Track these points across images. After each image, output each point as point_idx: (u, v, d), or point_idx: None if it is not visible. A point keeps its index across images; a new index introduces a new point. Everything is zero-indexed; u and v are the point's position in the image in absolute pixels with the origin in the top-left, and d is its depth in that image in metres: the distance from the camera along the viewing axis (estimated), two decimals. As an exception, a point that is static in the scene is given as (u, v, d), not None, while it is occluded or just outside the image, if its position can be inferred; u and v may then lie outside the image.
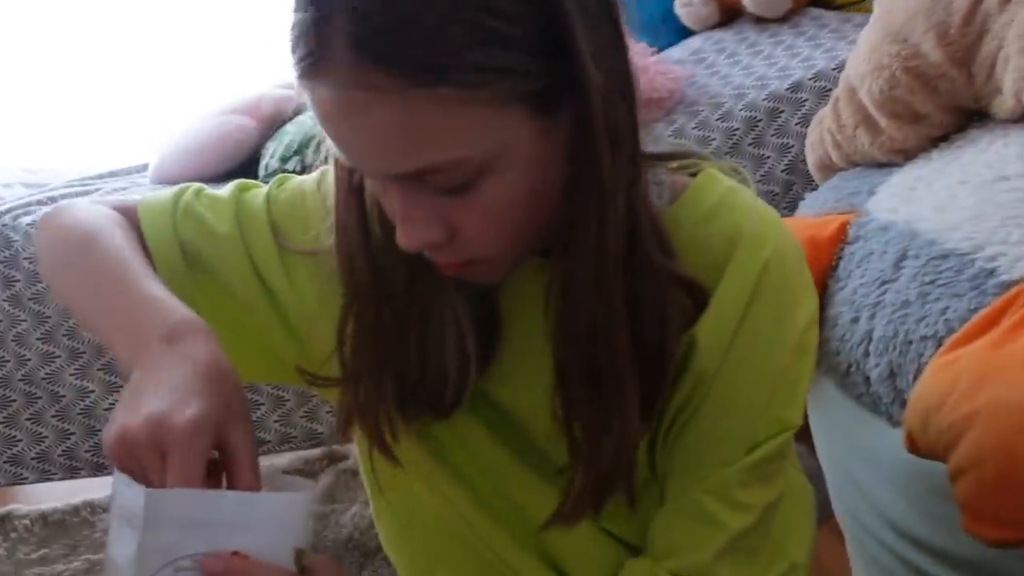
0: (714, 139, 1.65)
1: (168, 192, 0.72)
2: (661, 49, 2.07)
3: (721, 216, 0.62)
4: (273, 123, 1.92)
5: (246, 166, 1.89)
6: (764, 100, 1.67)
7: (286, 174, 0.74)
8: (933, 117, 1.05)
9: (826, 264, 1.04)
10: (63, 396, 1.56)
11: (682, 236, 0.61)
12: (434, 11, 0.48)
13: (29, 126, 2.65)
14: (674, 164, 0.66)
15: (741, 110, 1.67)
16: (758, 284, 0.60)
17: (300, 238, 0.68)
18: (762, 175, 1.66)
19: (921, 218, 0.95)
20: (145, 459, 0.50)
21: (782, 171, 1.63)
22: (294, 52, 0.51)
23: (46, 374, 1.56)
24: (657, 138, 0.68)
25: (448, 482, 0.70)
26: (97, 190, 1.86)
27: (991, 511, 0.70)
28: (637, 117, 0.56)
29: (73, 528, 1.60)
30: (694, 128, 1.66)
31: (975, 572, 0.83)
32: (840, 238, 1.04)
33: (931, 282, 0.88)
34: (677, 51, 1.98)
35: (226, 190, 0.72)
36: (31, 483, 1.58)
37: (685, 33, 2.07)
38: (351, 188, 0.61)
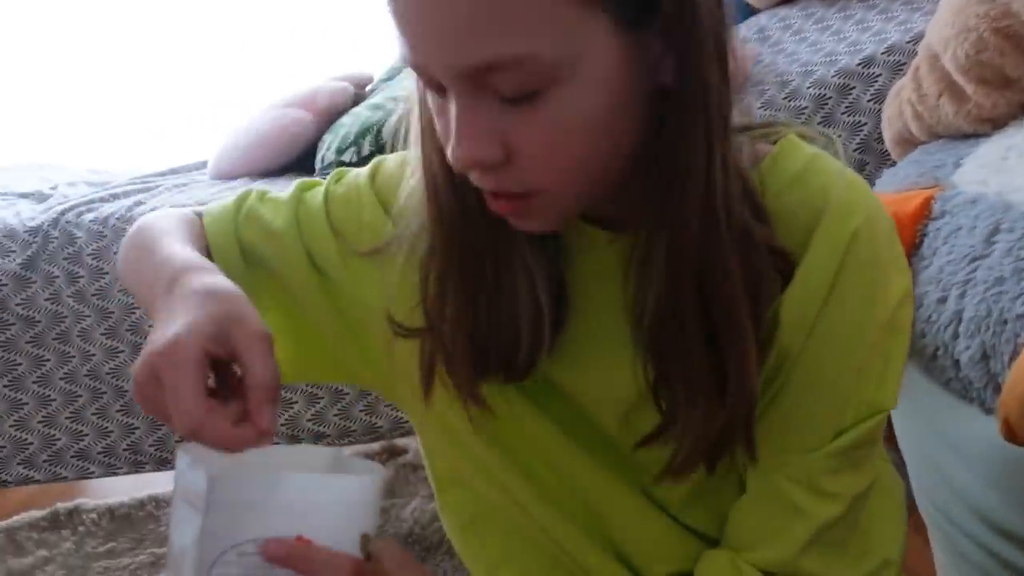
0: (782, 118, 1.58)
1: (232, 198, 0.72)
2: (725, 28, 2.02)
3: (807, 182, 0.58)
4: (329, 115, 1.91)
5: (303, 159, 1.89)
6: (834, 76, 1.60)
7: (343, 168, 0.72)
8: (1024, 81, 0.97)
9: (909, 242, 0.98)
10: (127, 391, 1.57)
11: (766, 204, 0.57)
12: None
13: (93, 127, 2.70)
14: (756, 132, 0.62)
15: (809, 88, 1.60)
16: (846, 256, 0.56)
17: (357, 236, 0.66)
18: (833, 154, 1.58)
19: (1015, 188, 0.88)
20: (153, 397, 0.49)
21: (854, 150, 1.56)
22: None
23: (110, 369, 1.57)
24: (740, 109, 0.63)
25: (512, 476, 0.67)
26: (157, 187, 1.88)
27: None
28: (731, 57, 0.52)
29: (139, 522, 1.61)
30: (760, 108, 1.60)
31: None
32: (924, 214, 0.98)
33: (1028, 257, 0.82)
34: (742, 30, 1.91)
35: (288, 191, 0.71)
36: (97, 477, 1.59)
37: (749, 11, 2.01)
38: (431, 124, 0.57)
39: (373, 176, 0.69)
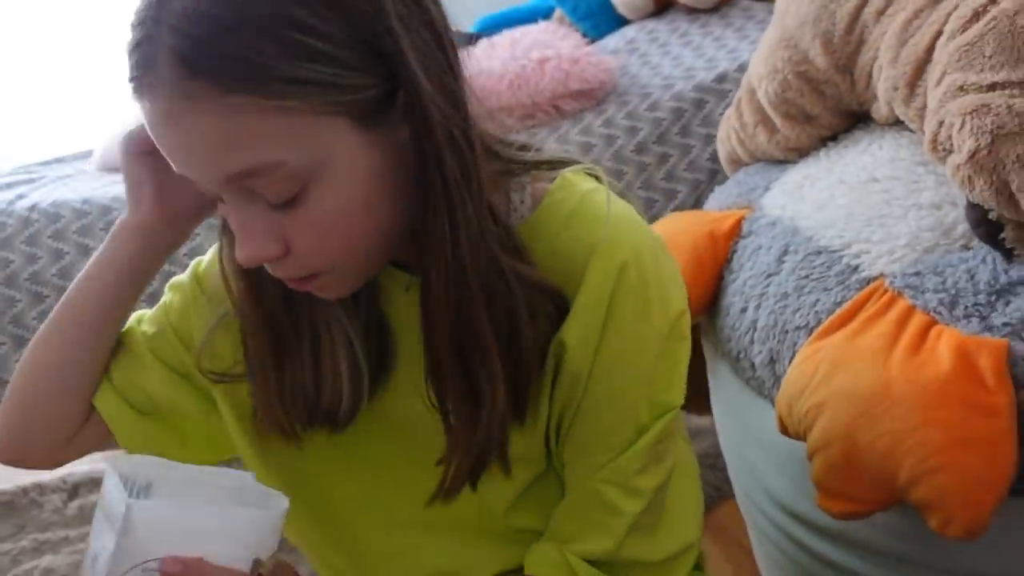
0: (642, 128, 1.71)
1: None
2: (600, 37, 2.13)
3: (576, 224, 0.64)
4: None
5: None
6: (691, 91, 1.73)
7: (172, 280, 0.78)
8: (822, 119, 1.11)
9: (722, 257, 1.11)
10: (6, 381, 1.60)
11: (543, 244, 0.64)
12: (249, 27, 0.53)
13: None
14: (543, 169, 0.68)
15: (668, 100, 1.73)
16: (617, 286, 0.63)
17: (198, 335, 0.74)
18: (688, 163, 1.72)
19: (803, 216, 1.02)
20: None
21: (707, 160, 1.70)
22: (128, 68, 0.55)
23: (-9, 360, 1.60)
24: (538, 144, 0.72)
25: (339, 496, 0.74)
26: (42, 177, 1.89)
27: (838, 489, 0.78)
28: (472, 128, 0.59)
29: (21, 508, 1.64)
30: (623, 118, 1.72)
31: (847, 543, 0.91)
32: (736, 232, 1.11)
33: (806, 276, 0.95)
34: (613, 40, 2.03)
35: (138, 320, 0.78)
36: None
37: (624, 21, 2.12)
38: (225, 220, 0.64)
39: (195, 273, 0.75)
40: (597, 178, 0.70)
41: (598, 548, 0.67)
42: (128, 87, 0.56)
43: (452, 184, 0.57)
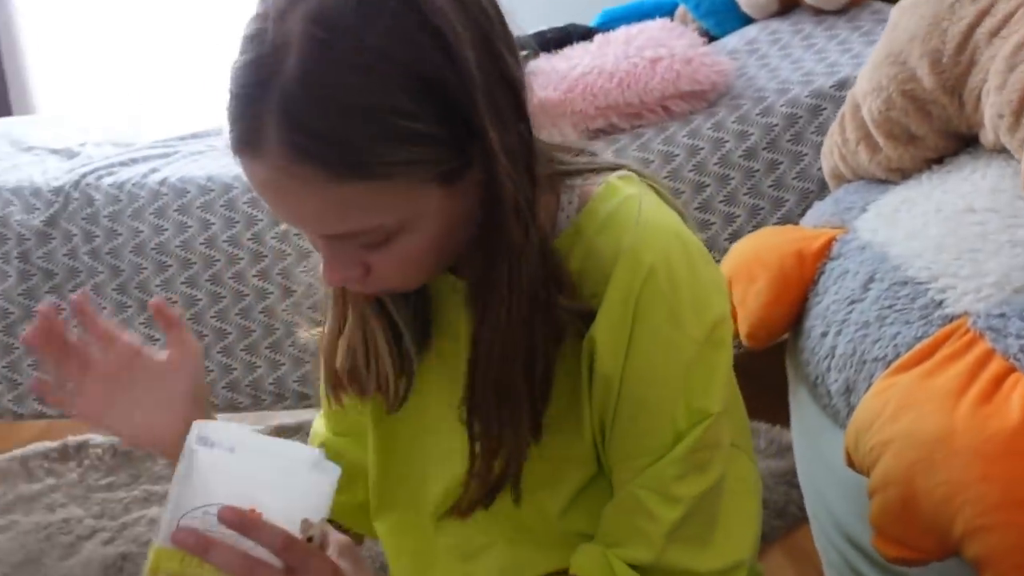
0: (752, 134, 1.67)
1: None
2: (723, 35, 2.09)
3: (610, 228, 0.67)
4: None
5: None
6: (807, 97, 1.68)
7: None
8: (928, 140, 1.06)
9: (809, 277, 1.08)
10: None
11: (582, 246, 0.67)
12: (355, 115, 0.56)
13: (128, 87, 2.84)
14: (598, 169, 0.71)
15: (782, 106, 1.68)
16: (643, 290, 0.64)
17: None
18: (798, 171, 1.67)
19: (893, 242, 0.98)
20: None
21: (818, 169, 1.64)
22: (230, 126, 0.59)
23: (118, 323, 1.73)
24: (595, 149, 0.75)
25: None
26: (176, 152, 2.01)
27: (893, 533, 0.76)
28: (537, 179, 0.64)
29: (138, 460, 1.78)
30: (733, 122, 1.69)
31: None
32: (825, 253, 1.08)
33: (889, 306, 0.92)
34: (734, 39, 1.98)
35: None
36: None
37: (748, 20, 2.07)
38: None
39: None
40: (655, 189, 0.71)
41: (639, 555, 0.67)
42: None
43: (514, 244, 0.62)
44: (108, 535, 1.50)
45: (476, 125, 0.59)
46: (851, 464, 0.87)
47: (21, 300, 1.73)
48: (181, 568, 0.59)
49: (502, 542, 0.75)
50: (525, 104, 0.62)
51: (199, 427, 0.62)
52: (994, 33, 0.93)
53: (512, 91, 0.61)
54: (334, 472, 0.63)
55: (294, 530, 0.61)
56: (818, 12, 1.91)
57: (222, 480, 0.60)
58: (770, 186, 1.68)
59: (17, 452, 1.81)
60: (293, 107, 0.56)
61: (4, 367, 1.76)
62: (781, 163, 1.67)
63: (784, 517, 1.45)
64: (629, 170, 0.71)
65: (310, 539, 0.62)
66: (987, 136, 0.96)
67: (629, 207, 0.67)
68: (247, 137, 0.58)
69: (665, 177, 1.65)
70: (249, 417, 1.94)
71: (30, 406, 1.77)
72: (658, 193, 0.72)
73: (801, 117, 1.67)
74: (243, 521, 0.58)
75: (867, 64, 1.14)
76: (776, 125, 1.67)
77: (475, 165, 0.61)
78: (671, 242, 0.66)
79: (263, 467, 0.61)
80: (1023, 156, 0.83)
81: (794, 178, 1.68)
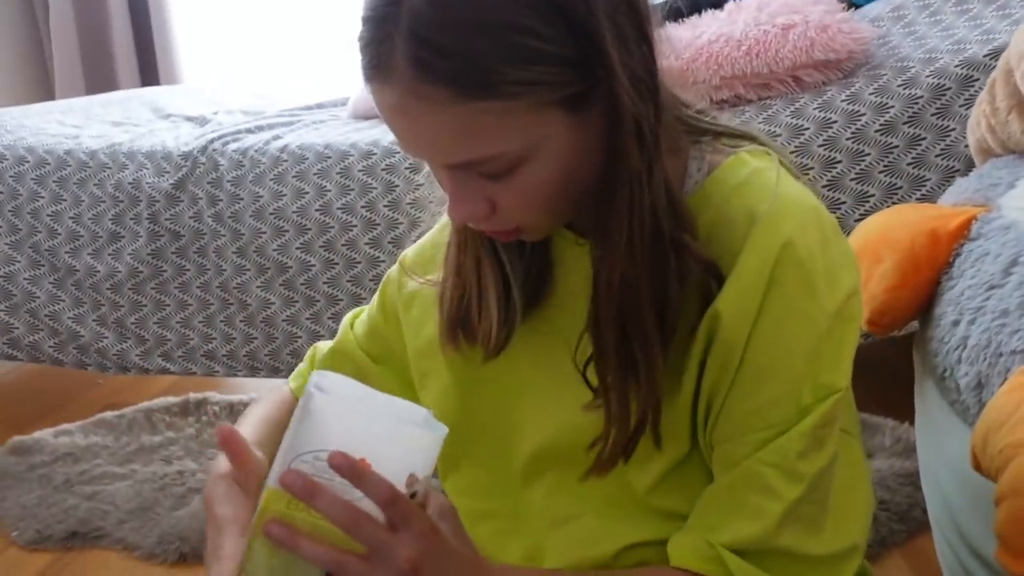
0: (892, 107, 1.54)
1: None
2: (868, 1, 1.94)
3: (742, 195, 0.66)
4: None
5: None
6: (957, 66, 1.53)
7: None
8: (1092, 108, 0.94)
9: (943, 260, 0.98)
10: (250, 304, 1.78)
11: (710, 211, 0.66)
12: (485, 35, 0.56)
13: (267, 60, 2.93)
14: (722, 141, 0.70)
15: (928, 76, 1.55)
16: (779, 259, 0.63)
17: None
18: (943, 148, 1.53)
19: (1044, 221, 0.87)
20: None
21: (966, 146, 1.50)
22: (360, 53, 0.60)
23: (237, 284, 1.78)
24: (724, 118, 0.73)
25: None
26: (300, 120, 2.06)
27: (1020, 545, 0.67)
28: (661, 109, 0.62)
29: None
30: (871, 94, 1.56)
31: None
32: (963, 233, 0.97)
33: (1034, 293, 0.82)
34: (877, 7, 1.84)
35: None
36: (220, 376, 1.82)
37: (895, -15, 1.91)
38: None
39: (400, 263, 0.85)
40: (783, 164, 0.70)
41: (747, 533, 0.65)
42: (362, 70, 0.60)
43: (634, 171, 0.61)
44: (217, 489, 1.54)
45: (599, 46, 0.58)
46: (977, 467, 0.78)
47: (150, 260, 1.81)
48: (287, 510, 0.58)
49: (590, 514, 0.74)
50: (650, 32, 0.61)
51: (318, 375, 0.62)
52: None
53: (636, 16, 0.60)
54: (442, 431, 0.62)
55: (400, 486, 0.59)
56: (976, -25, 1.74)
57: (335, 427, 0.59)
58: (910, 164, 1.54)
59: (143, 405, 1.90)
60: (421, 25, 0.56)
61: (133, 323, 1.84)
62: (924, 139, 1.54)
63: (906, 521, 1.33)
64: (758, 143, 0.70)
65: (413, 495, 0.61)
66: None
67: (765, 177, 0.67)
68: (376, 61, 0.58)
69: (793, 152, 1.55)
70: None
71: (156, 362, 1.85)
72: (787, 168, 0.69)
73: (949, 88, 1.53)
74: (352, 468, 0.57)
75: (1022, 25, 1.02)
76: (920, 97, 1.54)
77: (599, 93, 0.60)
78: (808, 213, 0.65)
79: (375, 420, 0.61)
80: None
81: (938, 155, 1.54)
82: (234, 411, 1.86)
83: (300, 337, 1.78)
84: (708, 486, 0.69)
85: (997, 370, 0.83)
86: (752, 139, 0.71)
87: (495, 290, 0.72)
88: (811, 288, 0.63)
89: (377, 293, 0.87)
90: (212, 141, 1.84)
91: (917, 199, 1.53)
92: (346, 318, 0.91)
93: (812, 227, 0.65)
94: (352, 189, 1.72)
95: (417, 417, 0.62)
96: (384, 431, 0.60)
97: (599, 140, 0.62)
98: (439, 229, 0.82)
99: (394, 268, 0.86)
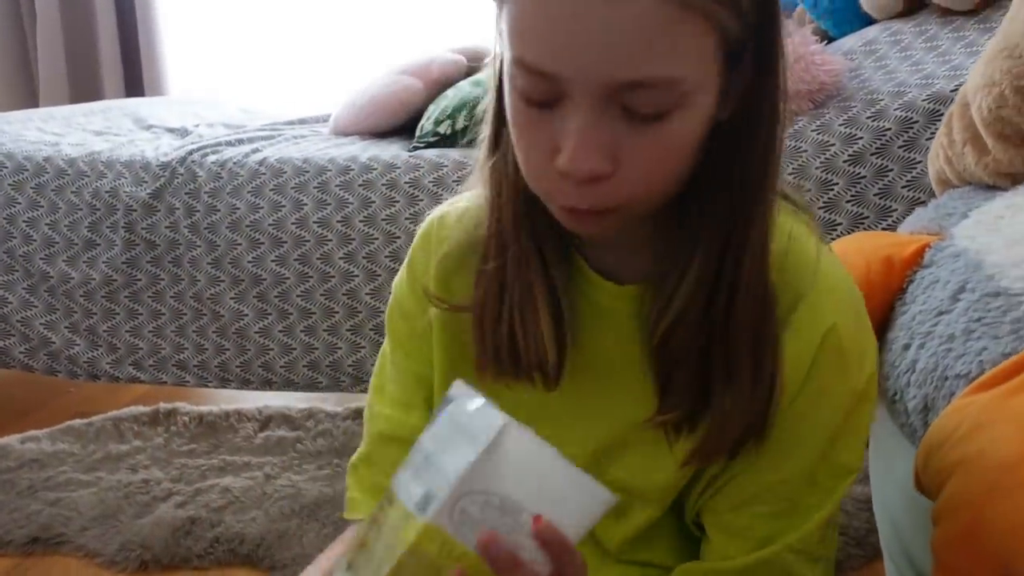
0: (861, 138, 1.57)
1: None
2: (842, 35, 1.98)
3: (784, 267, 0.62)
4: (440, 86, 2.03)
5: (411, 125, 2.02)
6: (924, 100, 1.57)
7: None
8: (1042, 142, 0.97)
9: (896, 286, 1.00)
10: (223, 315, 1.79)
11: None
12: None
13: (242, 72, 2.95)
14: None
15: (896, 109, 1.58)
16: (821, 348, 0.63)
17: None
18: (909, 179, 1.56)
19: (991, 250, 0.89)
20: None
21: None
22: None
23: (211, 295, 1.79)
24: None
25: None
26: (281, 135, 2.07)
27: (954, 565, 0.68)
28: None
29: (220, 431, 1.83)
30: (841, 125, 1.59)
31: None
32: (916, 261, 0.99)
33: (978, 319, 0.83)
34: (850, 40, 1.88)
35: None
36: (191, 386, 1.82)
37: (869, 20, 1.96)
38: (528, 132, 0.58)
39: (432, 222, 0.77)
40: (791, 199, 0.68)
41: None
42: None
43: (759, 160, 0.58)
44: (182, 499, 1.54)
45: (773, 11, 0.54)
46: (920, 487, 0.79)
47: (124, 268, 1.81)
48: (439, 552, 0.52)
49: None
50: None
51: (504, 419, 0.53)
52: (1121, 22, 0.83)
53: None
54: (612, 500, 0.56)
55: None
56: (946, 12, 1.78)
57: (520, 462, 0.52)
58: (876, 194, 1.57)
59: (112, 414, 1.90)
60: None
61: (105, 331, 1.84)
62: (891, 170, 1.57)
63: (864, 546, 1.35)
64: (790, 201, 0.67)
65: None
66: (1107, 138, 0.86)
67: (805, 248, 0.64)
68: None
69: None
70: (331, 399, 1.97)
71: (126, 371, 1.85)
72: (794, 203, 0.68)
73: (916, 122, 1.56)
74: (554, 543, 0.53)
75: (980, 58, 1.05)
76: (888, 129, 1.57)
77: (745, 69, 0.55)
78: (847, 295, 0.65)
79: (564, 466, 0.53)
80: None
81: (904, 186, 1.57)
82: (204, 422, 1.86)
83: (272, 349, 1.78)
84: (718, 560, 0.69)
85: (943, 393, 0.84)
86: (784, 196, 0.66)
87: (548, 320, 0.66)
88: (844, 370, 0.63)
89: (390, 345, 0.81)
90: (191, 152, 1.85)
91: (883, 228, 1.56)
92: (367, 412, 0.84)
93: (851, 310, 0.64)
94: (329, 203, 1.73)
95: (588, 483, 0.55)
96: (565, 487, 0.53)
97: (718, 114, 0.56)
98: (452, 252, 0.73)
99: (399, 301, 0.79)
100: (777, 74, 0.56)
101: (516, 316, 0.66)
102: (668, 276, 0.62)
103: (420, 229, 0.78)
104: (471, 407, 0.54)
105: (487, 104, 0.64)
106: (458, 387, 0.56)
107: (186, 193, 1.80)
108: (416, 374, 0.80)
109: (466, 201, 0.75)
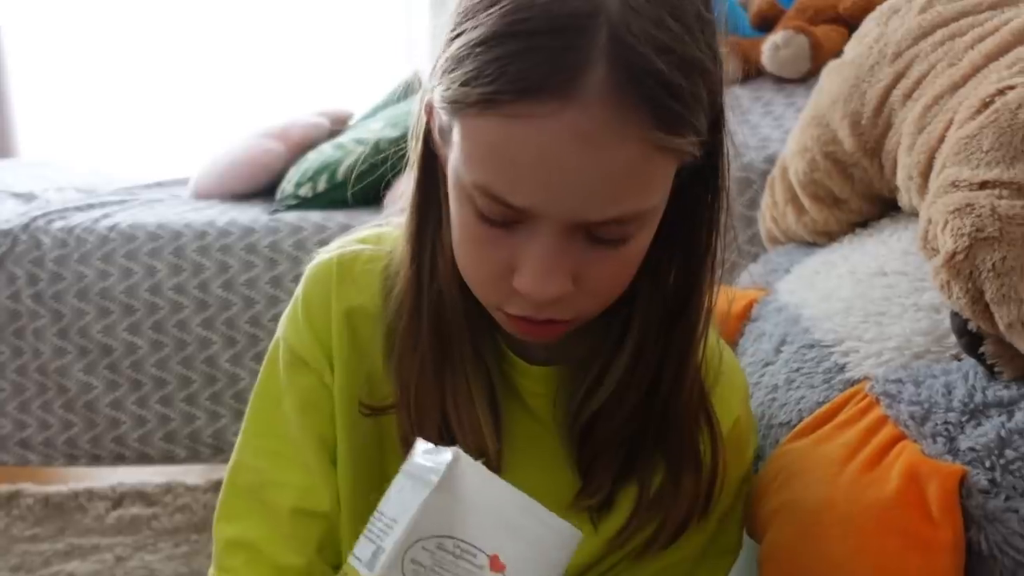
0: (705, 197, 1.66)
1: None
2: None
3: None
4: (301, 148, 2.03)
5: (272, 188, 2.00)
6: (762, 163, 1.67)
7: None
8: (852, 203, 1.04)
9: (731, 339, 1.05)
10: (69, 389, 1.70)
11: None
12: (684, 66, 0.49)
13: (98, 134, 2.86)
14: None
15: (737, 171, 1.67)
16: (727, 437, 0.69)
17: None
18: (750, 236, 1.65)
19: (807, 304, 0.95)
20: None
21: (770, 234, 1.62)
22: (526, 66, 0.47)
23: (56, 367, 1.70)
24: None
25: None
26: (135, 199, 2.01)
27: (776, 609, 0.71)
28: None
29: (68, 512, 1.73)
30: (686, 185, 1.67)
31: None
32: (746, 314, 1.05)
33: (796, 370, 0.88)
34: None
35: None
36: (35, 465, 1.72)
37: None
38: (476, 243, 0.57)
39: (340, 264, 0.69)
40: None
41: None
42: (503, 95, 0.48)
43: (707, 265, 0.63)
44: (21, 588, 1.44)
45: (719, 117, 0.55)
46: (750, 533, 0.83)
47: (-40, 342, 1.71)
48: None
49: None
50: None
51: (455, 451, 0.50)
52: (908, 95, 0.91)
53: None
54: (577, 536, 0.53)
55: None
56: (779, 80, 1.91)
57: (475, 497, 0.50)
58: (723, 251, 1.65)
59: (-54, 498, 1.76)
60: (627, 37, 0.47)
61: (-62, 410, 1.72)
62: (733, 227, 1.65)
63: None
64: None
65: None
66: (903, 199, 0.94)
67: (707, 340, 0.65)
68: (561, 75, 0.47)
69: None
70: (193, 471, 1.90)
71: (-38, 451, 1.73)
72: None
73: (755, 182, 1.66)
74: None
75: (796, 126, 1.13)
76: (730, 190, 1.65)
77: (694, 169, 0.55)
78: (744, 387, 0.72)
79: (522, 500, 0.51)
80: (923, 216, 0.81)
81: (747, 242, 1.65)
82: (50, 503, 1.75)
83: (124, 423, 1.71)
84: None
85: (769, 442, 0.88)
86: None
87: (485, 409, 0.63)
88: (741, 457, 0.69)
89: (291, 402, 0.68)
90: (35, 219, 1.78)
91: (734, 284, 1.64)
92: (251, 482, 0.69)
93: (747, 400, 0.71)
94: (184, 269, 1.69)
95: (549, 518, 0.52)
96: (525, 523, 0.51)
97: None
98: (367, 308, 0.67)
99: (294, 352, 0.68)
100: (721, 155, 0.58)
101: (450, 404, 0.63)
102: (595, 358, 0.62)
103: (313, 270, 0.69)
104: (420, 450, 0.52)
105: (408, 183, 0.62)
106: (419, 442, 0.54)
107: (29, 261, 1.72)
108: (320, 436, 0.69)
109: (371, 250, 0.68)
